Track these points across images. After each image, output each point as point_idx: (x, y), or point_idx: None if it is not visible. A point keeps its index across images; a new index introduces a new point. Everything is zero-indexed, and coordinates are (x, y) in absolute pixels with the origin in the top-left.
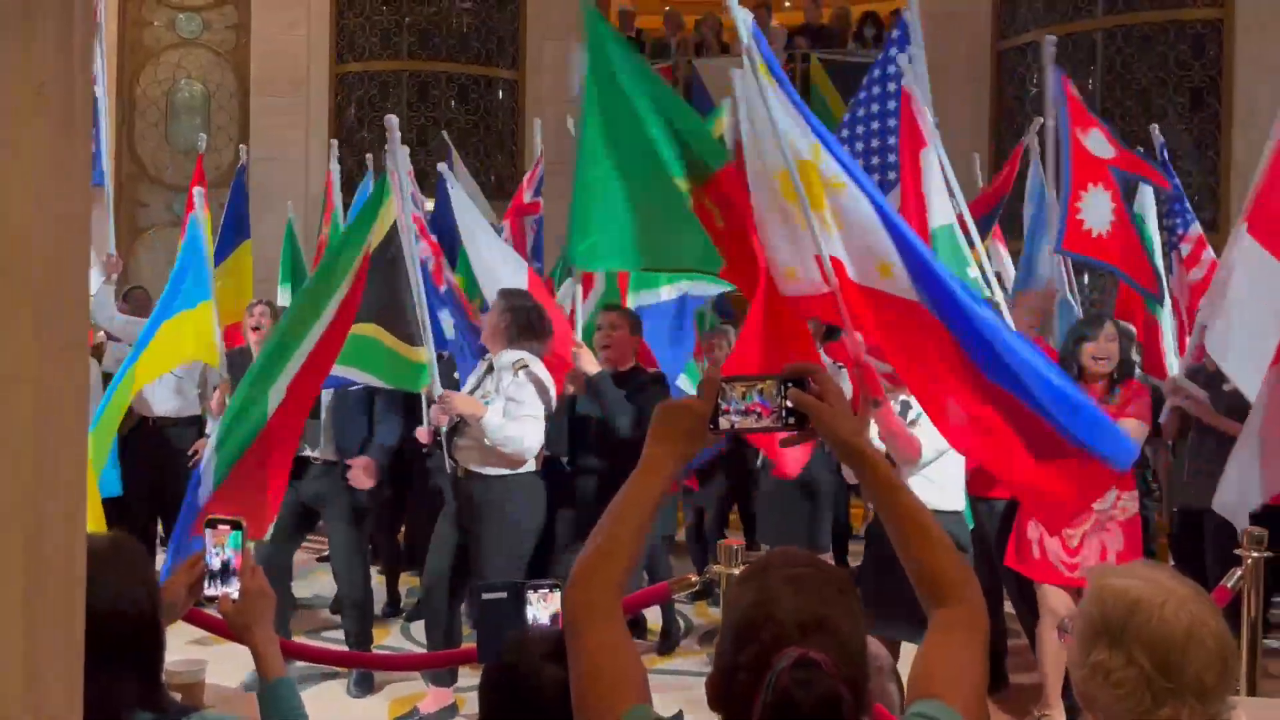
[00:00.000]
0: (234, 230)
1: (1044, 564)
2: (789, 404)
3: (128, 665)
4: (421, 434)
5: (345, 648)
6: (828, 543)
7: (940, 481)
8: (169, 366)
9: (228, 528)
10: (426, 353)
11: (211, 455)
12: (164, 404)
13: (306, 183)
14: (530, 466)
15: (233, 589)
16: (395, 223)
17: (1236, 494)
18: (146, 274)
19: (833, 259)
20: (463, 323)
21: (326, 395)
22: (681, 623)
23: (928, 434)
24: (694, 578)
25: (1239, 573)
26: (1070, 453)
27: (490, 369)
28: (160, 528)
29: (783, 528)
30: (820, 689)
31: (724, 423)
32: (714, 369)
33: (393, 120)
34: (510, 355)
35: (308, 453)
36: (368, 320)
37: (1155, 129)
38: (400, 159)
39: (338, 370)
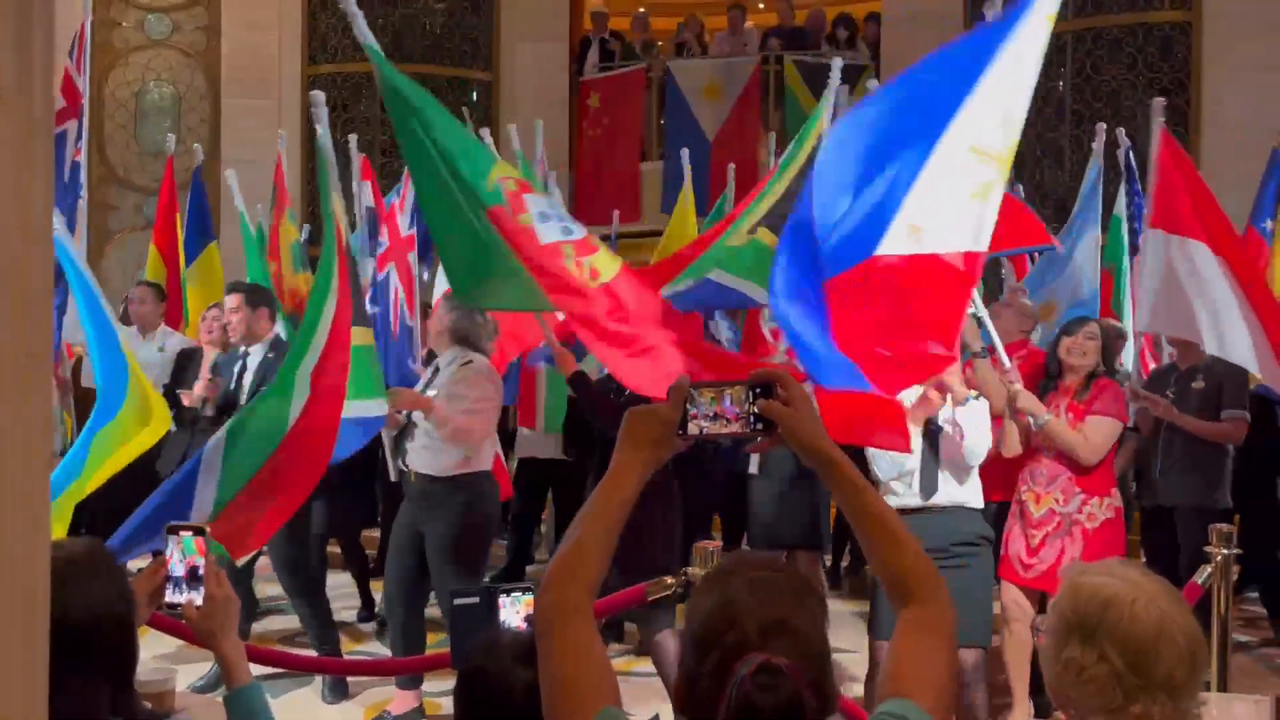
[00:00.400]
0: (199, 232)
1: (1004, 561)
2: (756, 410)
3: (101, 671)
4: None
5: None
6: (827, 544)
7: (972, 480)
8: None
9: (190, 533)
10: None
11: (216, 463)
12: None
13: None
14: (481, 465)
15: (197, 595)
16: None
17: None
18: (116, 277)
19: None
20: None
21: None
22: None
23: (977, 447)
24: (670, 580)
25: (1209, 570)
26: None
27: (436, 370)
28: None
29: (778, 529)
30: (783, 694)
31: (692, 428)
32: (682, 376)
33: (318, 95)
34: (454, 353)
35: None
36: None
37: (1121, 132)
38: (325, 140)
39: (352, 411)
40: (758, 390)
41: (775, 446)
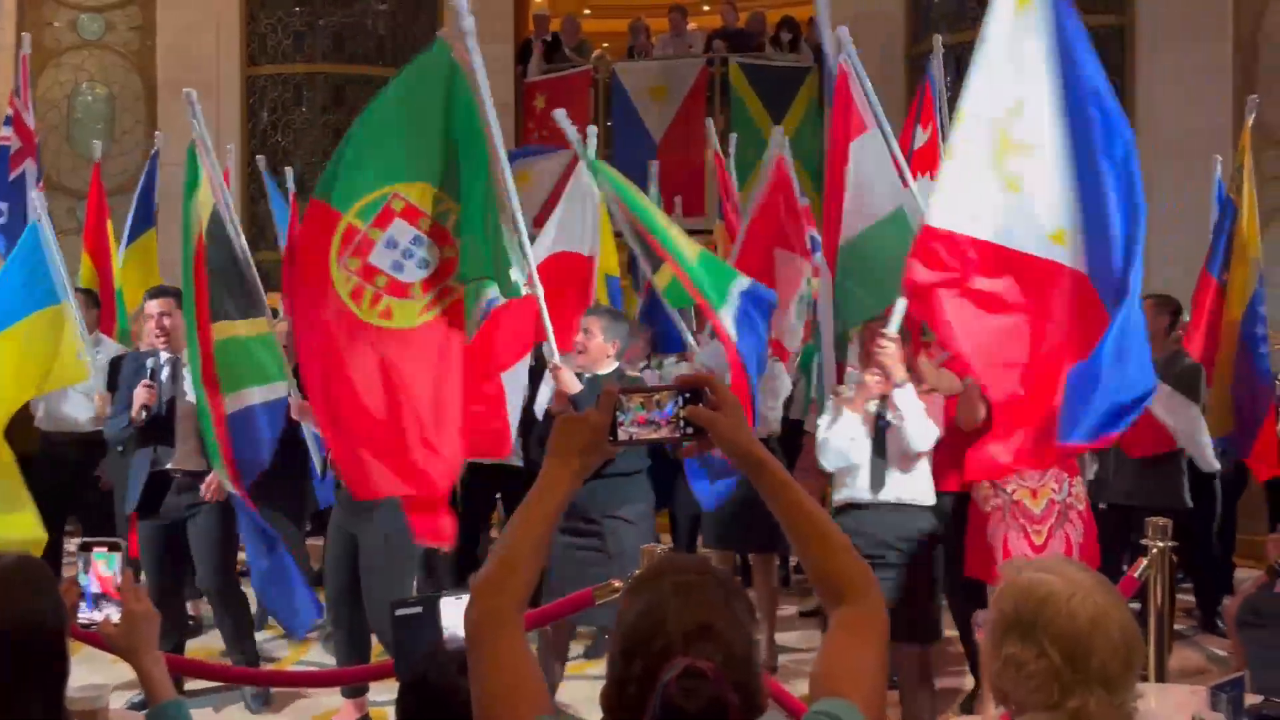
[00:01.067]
0: (143, 219)
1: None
2: (685, 415)
3: (32, 686)
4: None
5: (271, 666)
6: (777, 546)
7: (918, 476)
8: (31, 390)
9: (105, 549)
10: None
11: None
12: (72, 421)
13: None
14: None
15: (114, 611)
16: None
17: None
18: None
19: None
20: None
21: (184, 405)
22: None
23: (917, 433)
24: (618, 583)
25: (1145, 562)
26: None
27: None
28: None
29: (734, 531)
30: (706, 696)
31: (622, 434)
32: (611, 383)
33: (191, 94)
34: None
35: (169, 466)
36: (219, 319)
37: None
38: (201, 130)
39: (229, 403)
40: (686, 395)
41: (705, 451)
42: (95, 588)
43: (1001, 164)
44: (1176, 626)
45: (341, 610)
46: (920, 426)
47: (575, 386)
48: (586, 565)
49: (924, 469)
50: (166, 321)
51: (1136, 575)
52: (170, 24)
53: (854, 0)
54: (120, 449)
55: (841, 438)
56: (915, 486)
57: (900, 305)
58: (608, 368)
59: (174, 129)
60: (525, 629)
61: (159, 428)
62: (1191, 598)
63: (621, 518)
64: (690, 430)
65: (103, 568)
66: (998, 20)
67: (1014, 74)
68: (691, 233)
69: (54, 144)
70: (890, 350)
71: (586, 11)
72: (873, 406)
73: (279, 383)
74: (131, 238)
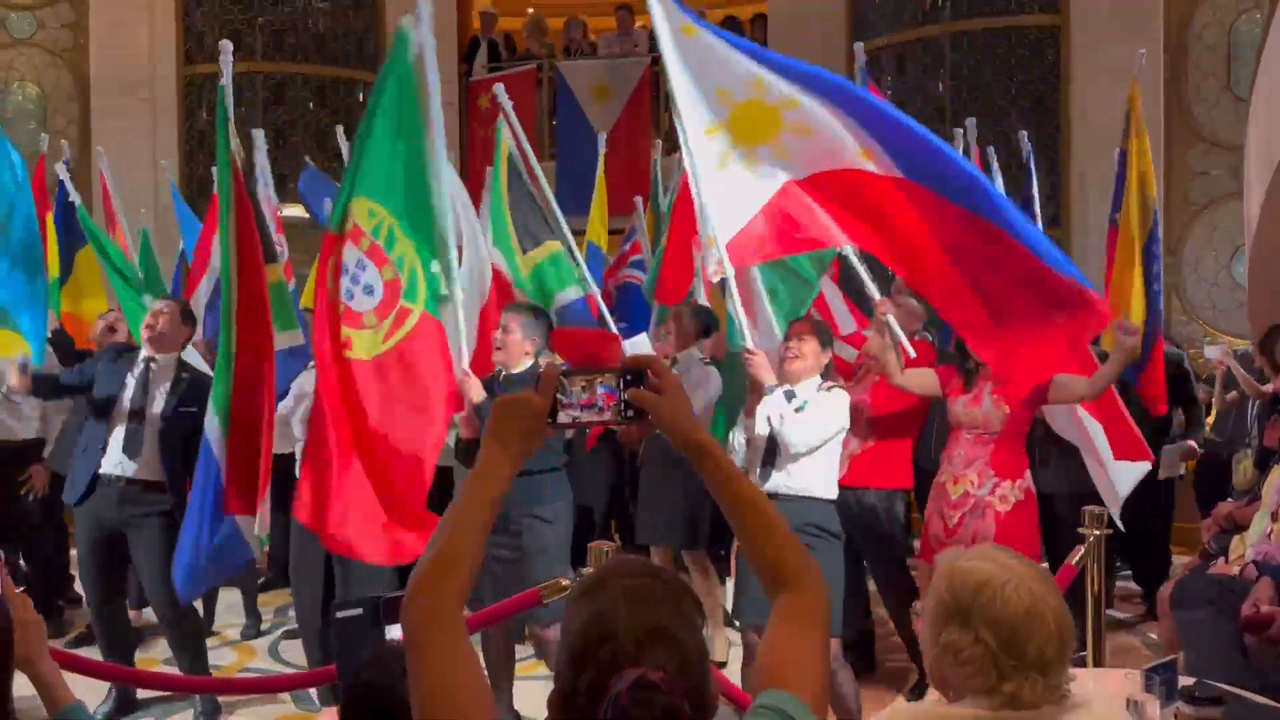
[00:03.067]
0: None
1: (925, 542)
2: (627, 398)
3: None
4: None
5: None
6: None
7: (815, 470)
8: None
9: None
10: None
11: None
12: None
13: (155, 189)
14: None
15: None
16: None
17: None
18: None
19: (811, 176)
20: None
21: (153, 414)
22: None
23: (810, 422)
24: (565, 582)
25: (1082, 550)
26: (1053, 285)
27: None
28: None
29: (664, 525)
30: (659, 707)
31: (564, 417)
32: (551, 365)
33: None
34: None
35: (110, 470)
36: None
37: (1024, 136)
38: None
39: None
40: (628, 378)
41: (645, 435)
42: None
43: (773, 132)
44: (1115, 613)
45: (312, 613)
46: (799, 431)
47: (477, 395)
48: (508, 564)
49: (809, 461)
50: (160, 322)
51: (1074, 563)
52: (102, 22)
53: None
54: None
55: (737, 441)
56: (797, 479)
57: (765, 304)
58: (524, 365)
59: (106, 130)
60: (469, 631)
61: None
62: (1132, 584)
63: (540, 517)
64: (631, 413)
65: None
66: (670, 58)
67: (706, 80)
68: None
69: None
70: (757, 360)
71: (530, 10)
72: (763, 417)
73: (294, 331)
74: (64, 269)
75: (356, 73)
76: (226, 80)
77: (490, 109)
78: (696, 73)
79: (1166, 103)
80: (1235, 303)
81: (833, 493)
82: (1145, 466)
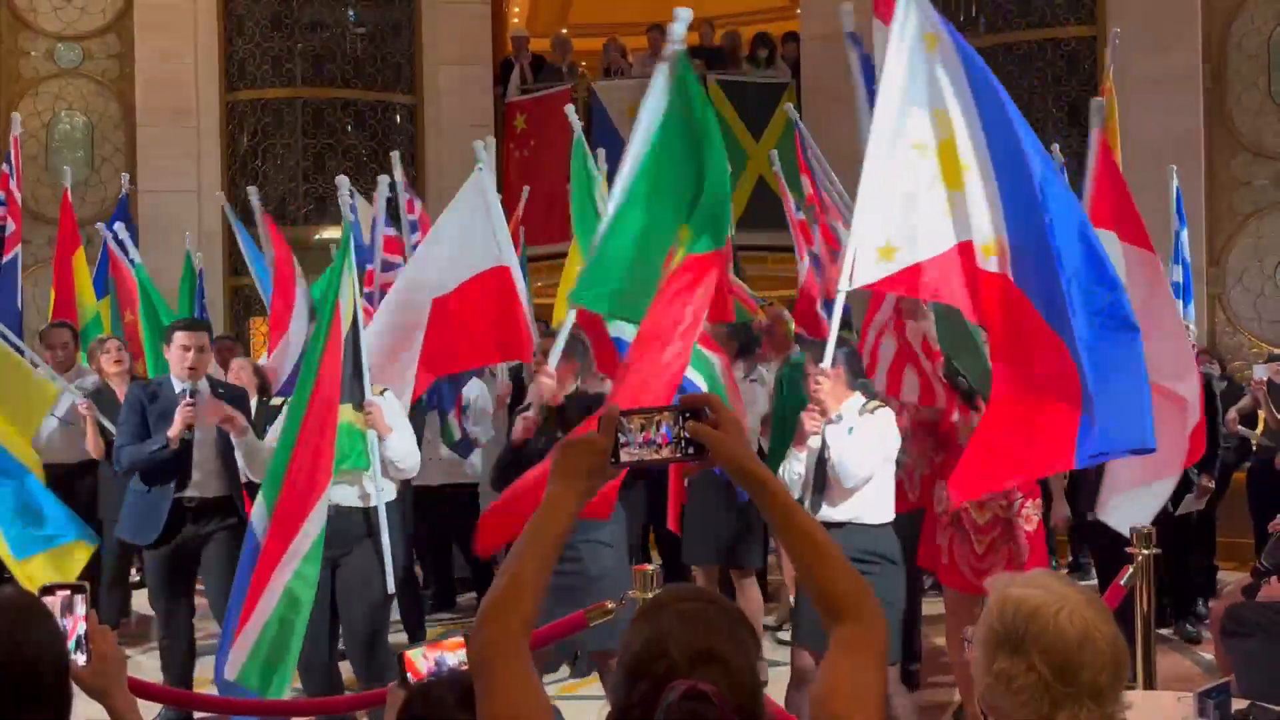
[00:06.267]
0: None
1: (952, 569)
2: (687, 434)
3: (44, 714)
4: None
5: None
6: (759, 561)
7: (866, 495)
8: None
9: (68, 593)
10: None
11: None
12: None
13: (200, 214)
14: (390, 495)
15: (80, 655)
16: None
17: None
18: (29, 312)
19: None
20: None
21: (199, 432)
22: None
23: (861, 447)
24: (610, 604)
25: (1131, 570)
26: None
27: None
28: None
29: (710, 547)
30: (709, 718)
31: (625, 456)
32: (612, 405)
33: (343, 181)
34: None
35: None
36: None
37: (1056, 148)
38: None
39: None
40: (687, 414)
41: (706, 468)
42: (80, 630)
43: (947, 180)
44: (1161, 632)
45: (319, 647)
46: (853, 462)
47: (546, 395)
48: (573, 591)
49: (860, 490)
50: (196, 356)
51: (1123, 583)
52: (148, 51)
53: (829, 19)
54: (125, 472)
55: (790, 473)
56: (852, 508)
57: (831, 338)
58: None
59: (151, 158)
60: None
61: (180, 457)
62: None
63: (598, 540)
64: (691, 450)
65: (68, 611)
66: (898, 53)
67: (930, 98)
68: None
69: (33, 173)
70: (825, 387)
71: (564, 30)
72: (815, 442)
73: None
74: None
75: (394, 96)
76: (351, 217)
77: (526, 129)
78: (920, 85)
79: (1207, 112)
80: None
81: (887, 516)
82: (1166, 491)
